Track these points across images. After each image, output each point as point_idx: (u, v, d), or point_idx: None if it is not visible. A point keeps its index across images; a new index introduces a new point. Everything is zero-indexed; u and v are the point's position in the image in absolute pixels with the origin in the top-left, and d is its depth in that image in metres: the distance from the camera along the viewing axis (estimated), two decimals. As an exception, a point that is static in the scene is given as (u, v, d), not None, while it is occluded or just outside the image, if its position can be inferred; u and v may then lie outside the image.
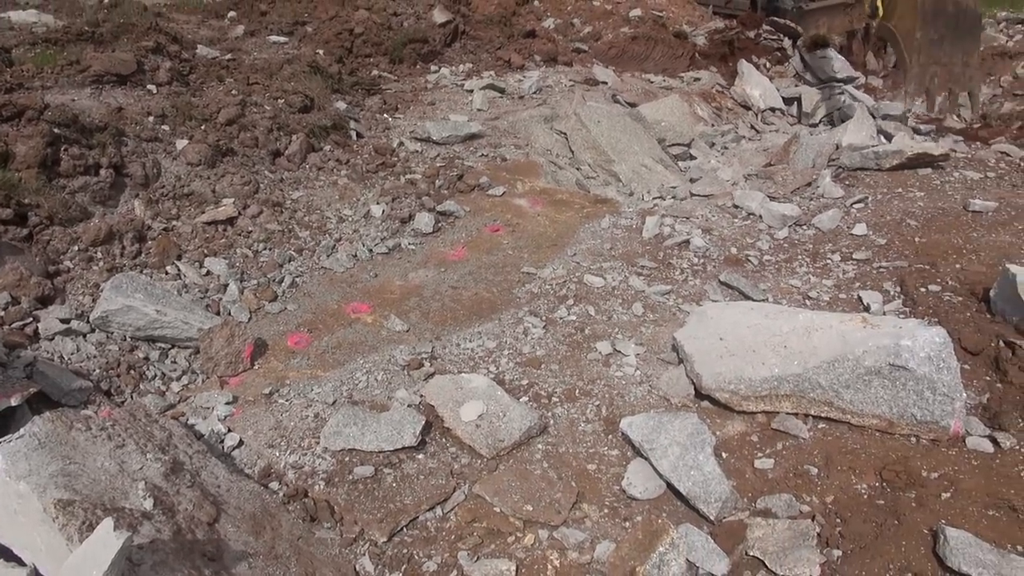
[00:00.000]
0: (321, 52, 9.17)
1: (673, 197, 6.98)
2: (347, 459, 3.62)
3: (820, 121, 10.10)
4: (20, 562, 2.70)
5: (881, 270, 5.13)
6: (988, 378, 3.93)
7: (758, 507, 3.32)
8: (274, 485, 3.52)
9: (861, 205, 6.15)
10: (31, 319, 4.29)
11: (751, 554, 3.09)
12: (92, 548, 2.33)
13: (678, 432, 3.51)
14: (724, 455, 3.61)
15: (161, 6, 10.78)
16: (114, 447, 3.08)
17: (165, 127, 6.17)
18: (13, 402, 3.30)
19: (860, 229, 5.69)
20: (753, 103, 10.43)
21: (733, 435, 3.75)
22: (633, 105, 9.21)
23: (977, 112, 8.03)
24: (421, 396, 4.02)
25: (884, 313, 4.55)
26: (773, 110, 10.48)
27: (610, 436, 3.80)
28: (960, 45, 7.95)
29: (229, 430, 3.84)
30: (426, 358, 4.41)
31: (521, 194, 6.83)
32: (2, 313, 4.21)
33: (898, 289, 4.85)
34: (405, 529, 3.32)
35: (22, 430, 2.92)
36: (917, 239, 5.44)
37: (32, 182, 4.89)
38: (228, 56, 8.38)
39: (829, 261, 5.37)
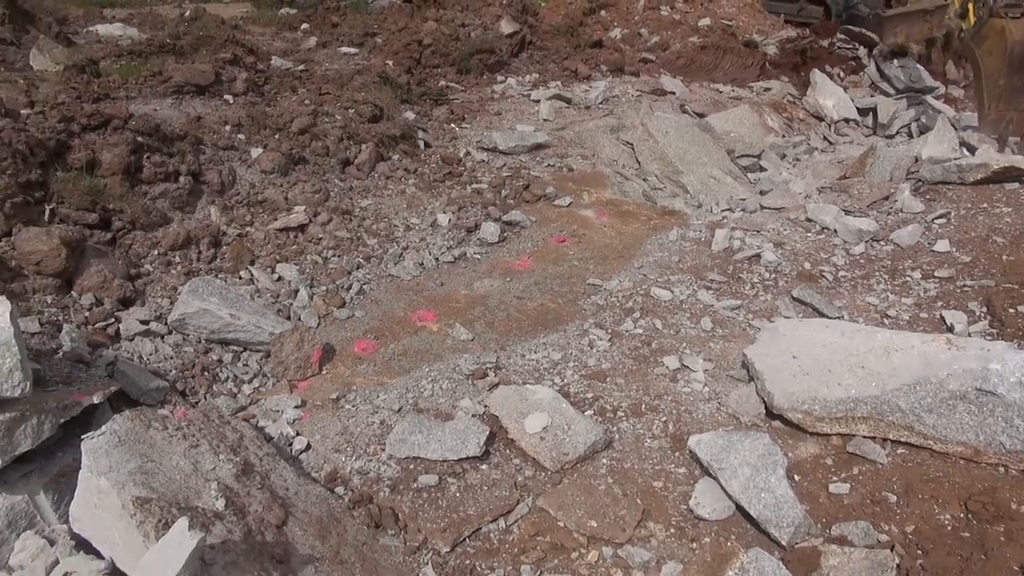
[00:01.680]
0: (390, 63, 9.32)
1: (743, 210, 6.84)
2: (412, 467, 3.63)
3: (897, 132, 9.77)
4: (99, 555, 2.78)
5: (965, 289, 4.91)
6: (1083, 406, 3.70)
7: (833, 534, 3.19)
8: (340, 490, 3.55)
9: (943, 220, 5.91)
10: (113, 320, 4.44)
11: (825, 582, 2.98)
12: (167, 547, 2.38)
13: (749, 452, 3.41)
14: (796, 478, 3.49)
15: (238, 19, 11.15)
16: (188, 447, 3.16)
17: (241, 136, 6.34)
18: (96, 400, 3.41)
19: (942, 245, 5.46)
20: (826, 114, 10.16)
21: (806, 457, 3.63)
22: (701, 116, 9.09)
23: None
24: (485, 406, 4.01)
25: (969, 334, 4.36)
26: (847, 121, 10.19)
27: (677, 453, 3.72)
28: None
29: (297, 434, 3.90)
30: (491, 368, 4.40)
31: (587, 205, 6.79)
32: (87, 314, 4.38)
33: (984, 309, 4.63)
34: (468, 540, 3.30)
35: (104, 427, 3.02)
36: (1005, 257, 5.19)
37: (116, 188, 5.09)
38: (301, 67, 8.60)
39: (909, 278, 5.17)
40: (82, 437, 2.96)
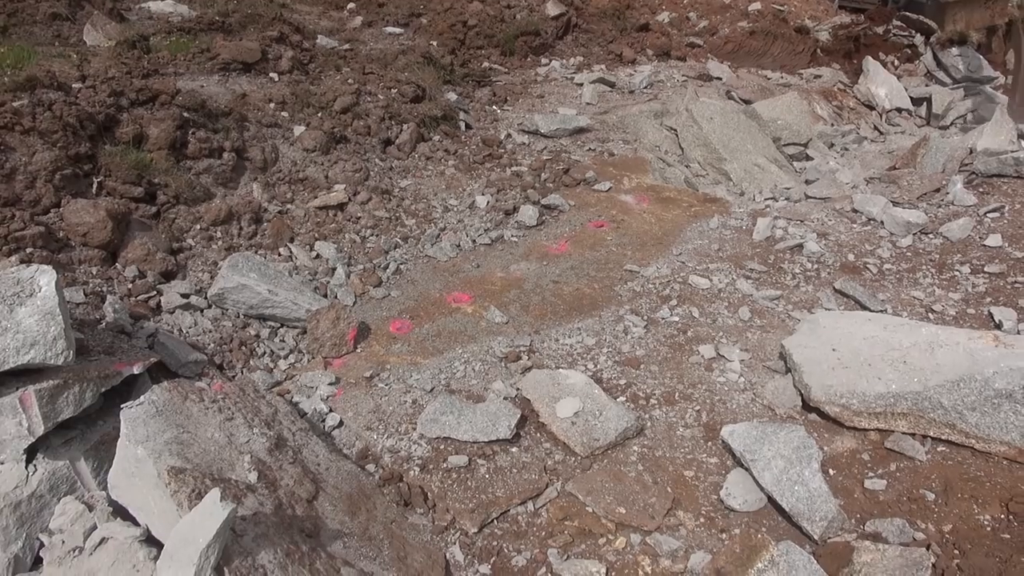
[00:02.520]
0: (435, 43, 9.30)
1: (787, 199, 6.70)
2: (442, 447, 3.65)
3: (952, 123, 9.47)
4: (135, 522, 2.85)
5: (1017, 285, 4.75)
6: None
7: (867, 530, 3.13)
8: (370, 467, 3.58)
9: (996, 214, 5.71)
10: (155, 292, 4.53)
11: (857, 579, 2.92)
12: (200, 517, 2.43)
13: (783, 444, 3.35)
14: (831, 472, 3.43)
15: (286, -3, 11.21)
16: (224, 419, 3.22)
17: (284, 114, 6.40)
18: (136, 370, 3.49)
19: (994, 240, 5.29)
20: (878, 103, 9.90)
21: (842, 452, 3.56)
22: (748, 102, 8.91)
23: None
24: (517, 389, 4.01)
25: (1019, 332, 4.22)
26: (899, 111, 9.92)
27: (709, 443, 3.68)
28: None
29: (331, 410, 3.94)
30: (524, 351, 4.39)
31: (627, 190, 6.72)
32: (130, 285, 4.48)
33: (1035, 307, 4.49)
34: (496, 521, 3.31)
35: (142, 397, 3.09)
36: (1060, 253, 5.02)
37: (162, 163, 5.18)
38: (346, 46, 8.63)
39: (957, 273, 5.01)
40: (122, 406, 3.02)
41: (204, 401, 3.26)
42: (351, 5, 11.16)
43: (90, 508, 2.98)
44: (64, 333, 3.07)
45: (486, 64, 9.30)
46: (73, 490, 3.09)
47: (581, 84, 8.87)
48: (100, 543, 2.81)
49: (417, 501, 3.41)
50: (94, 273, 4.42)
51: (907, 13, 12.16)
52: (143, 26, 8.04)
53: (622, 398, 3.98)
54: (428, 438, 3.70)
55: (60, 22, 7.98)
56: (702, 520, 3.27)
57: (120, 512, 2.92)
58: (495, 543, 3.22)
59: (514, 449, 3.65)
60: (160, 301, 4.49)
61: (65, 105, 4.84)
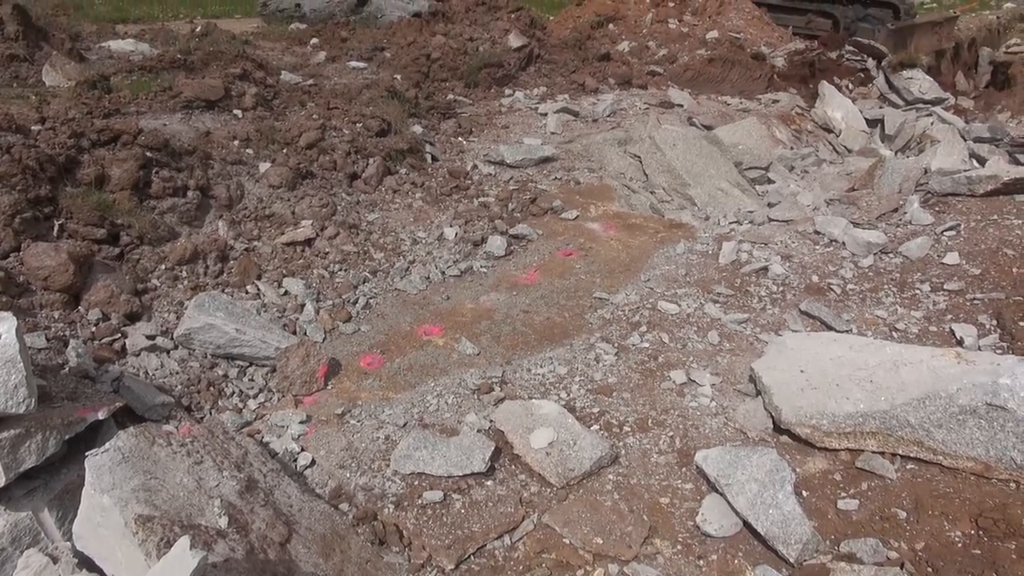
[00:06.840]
0: (399, 77, 9.37)
1: (750, 222, 6.81)
2: (416, 483, 3.61)
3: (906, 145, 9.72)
4: (102, 573, 2.78)
5: (975, 302, 4.87)
6: (1097, 421, 3.65)
7: (841, 551, 3.15)
8: (344, 506, 3.53)
9: (953, 232, 5.87)
10: (119, 335, 4.45)
11: (834, 601, 2.94)
12: (169, 566, 2.37)
13: (756, 468, 3.38)
14: (805, 494, 3.45)
15: (249, 34, 11.26)
16: (192, 463, 3.16)
17: (249, 151, 6.38)
18: (100, 416, 3.41)
19: (952, 258, 5.42)
20: (835, 126, 10.14)
21: (814, 473, 3.59)
22: (709, 128, 9.08)
23: None
24: (491, 421, 3.99)
25: (979, 348, 4.31)
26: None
27: (684, 469, 3.69)
28: None
29: (302, 449, 3.89)
30: (496, 383, 4.38)
31: (594, 218, 6.78)
32: (93, 329, 4.39)
33: (994, 323, 4.59)
34: (473, 557, 3.28)
35: (108, 444, 3.02)
36: (1015, 270, 5.15)
37: (125, 203, 5.11)
38: (310, 81, 8.66)
39: (918, 291, 5.13)
40: (86, 454, 2.95)
41: (172, 445, 3.19)
42: (314, 40, 11.23)
43: (55, 560, 2.89)
44: (26, 380, 3.00)
45: (450, 96, 9.38)
46: (37, 542, 3.00)
47: (545, 114, 8.98)
48: (65, 597, 2.73)
49: (392, 539, 3.36)
50: (56, 317, 4.33)
51: (858, 39, 12.53)
52: (103, 66, 8.00)
53: (596, 426, 3.98)
54: (402, 474, 3.67)
55: (18, 63, 7.91)
56: (679, 547, 3.27)
57: (86, 563, 2.84)
58: (473, 579, 3.18)
59: (489, 482, 3.62)
60: (125, 344, 4.41)
61: (24, 147, 4.77)
